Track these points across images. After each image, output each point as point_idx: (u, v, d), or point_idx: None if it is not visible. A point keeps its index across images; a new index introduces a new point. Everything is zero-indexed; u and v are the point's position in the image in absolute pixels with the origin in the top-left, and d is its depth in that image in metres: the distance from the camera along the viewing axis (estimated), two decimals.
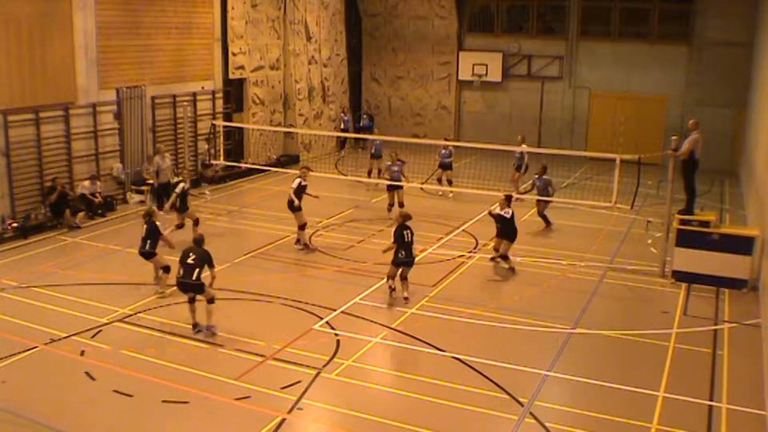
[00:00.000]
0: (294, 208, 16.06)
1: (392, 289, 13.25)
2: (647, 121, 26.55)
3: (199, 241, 12.12)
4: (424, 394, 9.97)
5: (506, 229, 15.07)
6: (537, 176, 18.50)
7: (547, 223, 18.20)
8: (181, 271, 11.69)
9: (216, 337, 11.59)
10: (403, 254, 12.99)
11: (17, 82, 16.87)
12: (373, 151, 22.43)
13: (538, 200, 18.21)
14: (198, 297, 11.80)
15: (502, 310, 12.95)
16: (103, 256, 15.57)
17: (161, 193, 19.06)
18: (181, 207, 16.31)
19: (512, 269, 14.96)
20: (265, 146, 25.35)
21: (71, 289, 13.50)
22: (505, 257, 15.05)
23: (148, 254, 13.42)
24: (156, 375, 10.32)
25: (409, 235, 13.06)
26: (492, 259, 15.36)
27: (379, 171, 21.86)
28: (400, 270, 13.16)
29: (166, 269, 13.42)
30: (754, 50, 24.04)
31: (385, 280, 13.40)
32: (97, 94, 18.90)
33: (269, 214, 18.94)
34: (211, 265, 11.77)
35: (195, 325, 11.83)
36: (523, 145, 20.38)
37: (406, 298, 13.15)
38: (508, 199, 15.19)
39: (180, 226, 16.30)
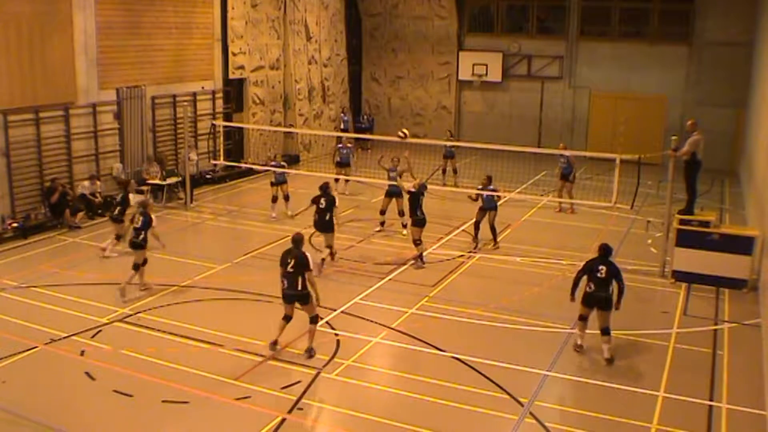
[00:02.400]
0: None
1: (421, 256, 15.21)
2: (647, 121, 26.55)
3: (297, 241, 10.99)
4: (424, 394, 9.96)
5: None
6: (481, 186, 16.57)
7: (476, 235, 16.72)
8: (285, 282, 10.81)
9: (313, 359, 10.85)
10: (422, 214, 15.21)
11: (17, 82, 16.86)
12: (338, 158, 21.28)
13: (488, 210, 16.60)
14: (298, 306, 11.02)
15: (502, 310, 12.95)
16: (103, 256, 15.56)
17: (192, 186, 19.90)
18: (119, 218, 15.47)
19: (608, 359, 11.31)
20: (265, 146, 25.34)
21: (71, 289, 13.49)
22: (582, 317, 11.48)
23: (139, 245, 13.34)
24: (156, 375, 10.31)
25: (422, 199, 15.30)
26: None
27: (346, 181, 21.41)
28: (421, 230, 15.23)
29: (136, 267, 13.30)
30: (754, 50, 24.04)
31: (415, 245, 15.18)
32: (97, 94, 18.89)
33: (269, 214, 18.91)
34: (308, 269, 10.71)
35: (275, 342, 11.09)
36: (565, 152, 19.68)
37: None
38: (599, 248, 11.45)
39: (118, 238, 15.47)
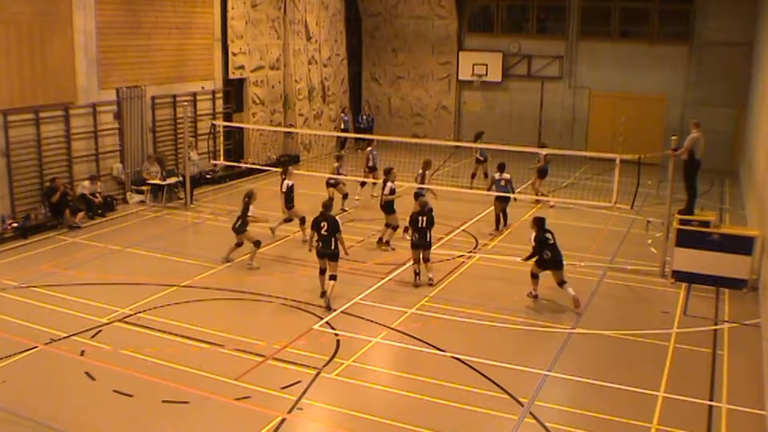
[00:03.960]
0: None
1: (417, 273, 14.21)
2: (647, 121, 26.55)
3: (327, 206, 13.10)
4: (424, 394, 9.97)
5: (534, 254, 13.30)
6: (498, 175, 17.77)
7: (505, 222, 17.91)
8: (320, 243, 12.84)
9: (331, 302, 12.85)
10: (416, 237, 14.13)
11: (17, 82, 16.86)
12: (371, 163, 20.91)
13: (499, 198, 17.77)
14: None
15: (502, 310, 12.95)
16: (103, 256, 15.57)
17: (192, 185, 20.04)
18: (289, 204, 16.61)
19: (531, 293, 13.44)
20: (265, 146, 25.36)
21: (71, 289, 13.50)
22: (533, 275, 13.43)
23: (236, 230, 14.97)
24: (156, 375, 10.32)
25: (424, 221, 14.11)
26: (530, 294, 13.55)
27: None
28: (420, 253, 14.16)
29: (257, 244, 14.92)
30: (754, 50, 24.05)
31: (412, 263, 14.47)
32: (97, 94, 18.89)
33: (269, 214, 18.87)
34: (339, 231, 12.87)
35: (324, 293, 13.02)
36: (543, 150, 20.02)
37: (430, 279, 14.14)
38: (537, 222, 13.40)
39: (288, 220, 16.88)
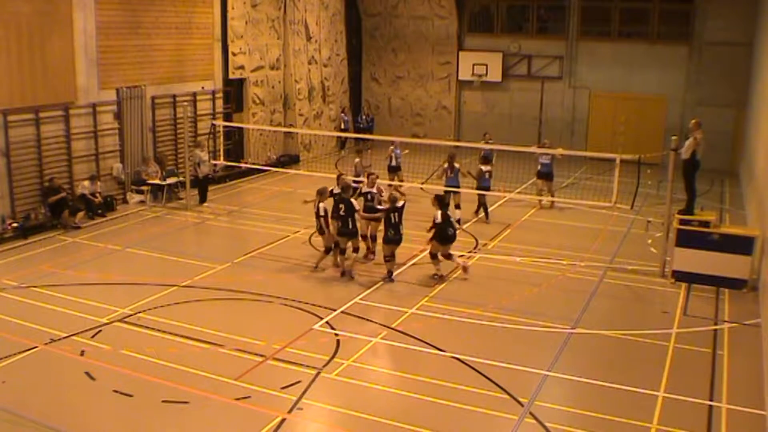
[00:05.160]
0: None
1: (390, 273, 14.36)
2: (647, 121, 26.56)
3: (344, 189, 14.39)
4: (424, 394, 9.96)
5: (437, 232, 14.06)
6: (483, 168, 18.31)
7: (486, 214, 18.56)
8: (340, 223, 14.01)
9: (353, 279, 14.16)
10: (392, 233, 14.16)
11: (17, 82, 16.86)
12: (393, 162, 20.23)
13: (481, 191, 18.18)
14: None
15: (502, 310, 12.95)
16: (103, 256, 15.57)
17: (204, 186, 20.03)
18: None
19: (437, 275, 14.22)
20: (265, 146, 25.37)
21: (71, 289, 13.50)
22: (433, 256, 14.27)
23: (321, 232, 14.81)
24: (156, 375, 10.31)
25: (397, 216, 14.19)
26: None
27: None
28: (393, 249, 14.32)
29: (327, 250, 14.77)
30: (754, 50, 24.05)
31: (384, 261, 14.40)
32: (97, 94, 18.89)
33: (269, 214, 18.95)
34: (356, 211, 14.04)
35: (343, 272, 14.22)
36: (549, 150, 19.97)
37: (389, 275, 14.25)
38: (437, 199, 14.40)
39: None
